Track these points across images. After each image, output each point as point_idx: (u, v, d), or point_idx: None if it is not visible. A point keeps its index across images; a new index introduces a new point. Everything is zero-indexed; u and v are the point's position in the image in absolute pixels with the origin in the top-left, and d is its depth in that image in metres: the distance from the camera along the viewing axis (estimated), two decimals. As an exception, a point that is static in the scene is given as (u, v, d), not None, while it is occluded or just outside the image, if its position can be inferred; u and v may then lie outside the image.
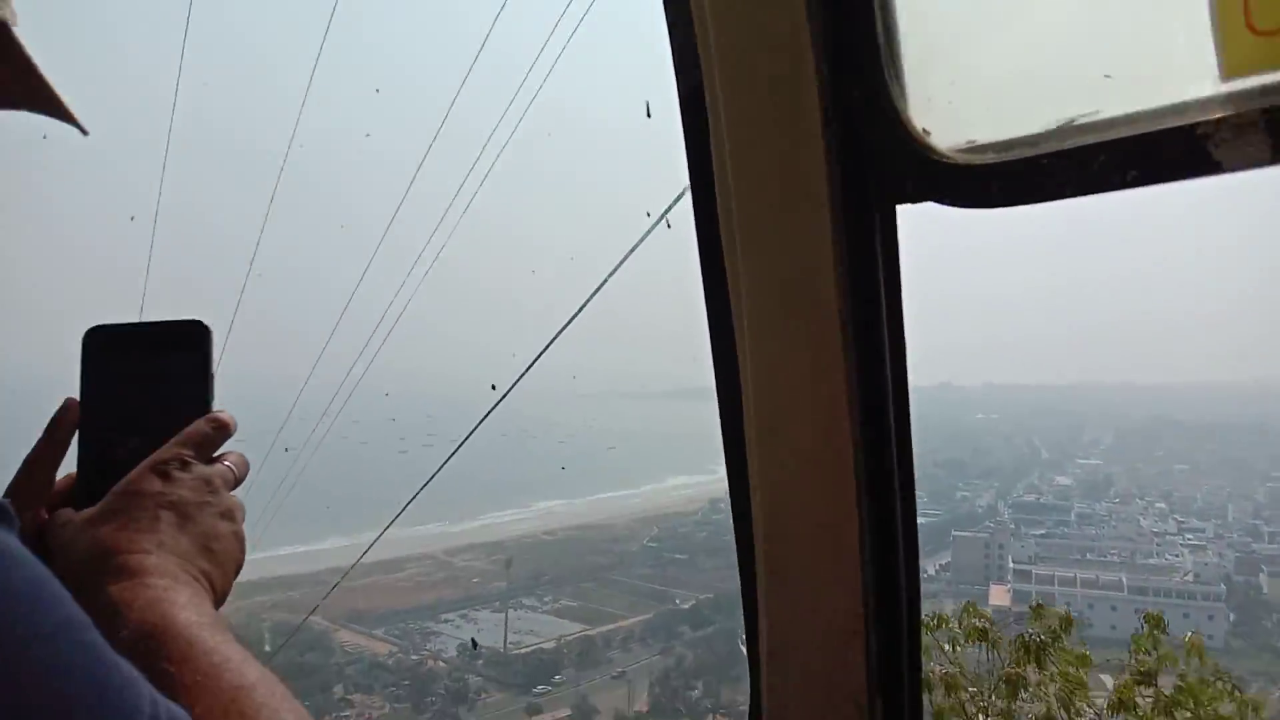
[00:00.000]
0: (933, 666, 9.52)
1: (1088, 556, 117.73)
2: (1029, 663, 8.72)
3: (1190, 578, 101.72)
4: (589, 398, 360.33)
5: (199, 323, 1.22)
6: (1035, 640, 8.77)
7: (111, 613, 1.00)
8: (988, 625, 9.83)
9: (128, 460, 1.16)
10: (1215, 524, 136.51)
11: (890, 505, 1.92)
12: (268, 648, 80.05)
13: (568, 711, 77.62)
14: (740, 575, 2.26)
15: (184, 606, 1.04)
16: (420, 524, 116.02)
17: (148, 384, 1.20)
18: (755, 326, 1.81)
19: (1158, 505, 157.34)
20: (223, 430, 1.24)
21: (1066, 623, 9.27)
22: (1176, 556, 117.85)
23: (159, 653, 0.97)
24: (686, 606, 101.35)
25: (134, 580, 1.05)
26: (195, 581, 1.11)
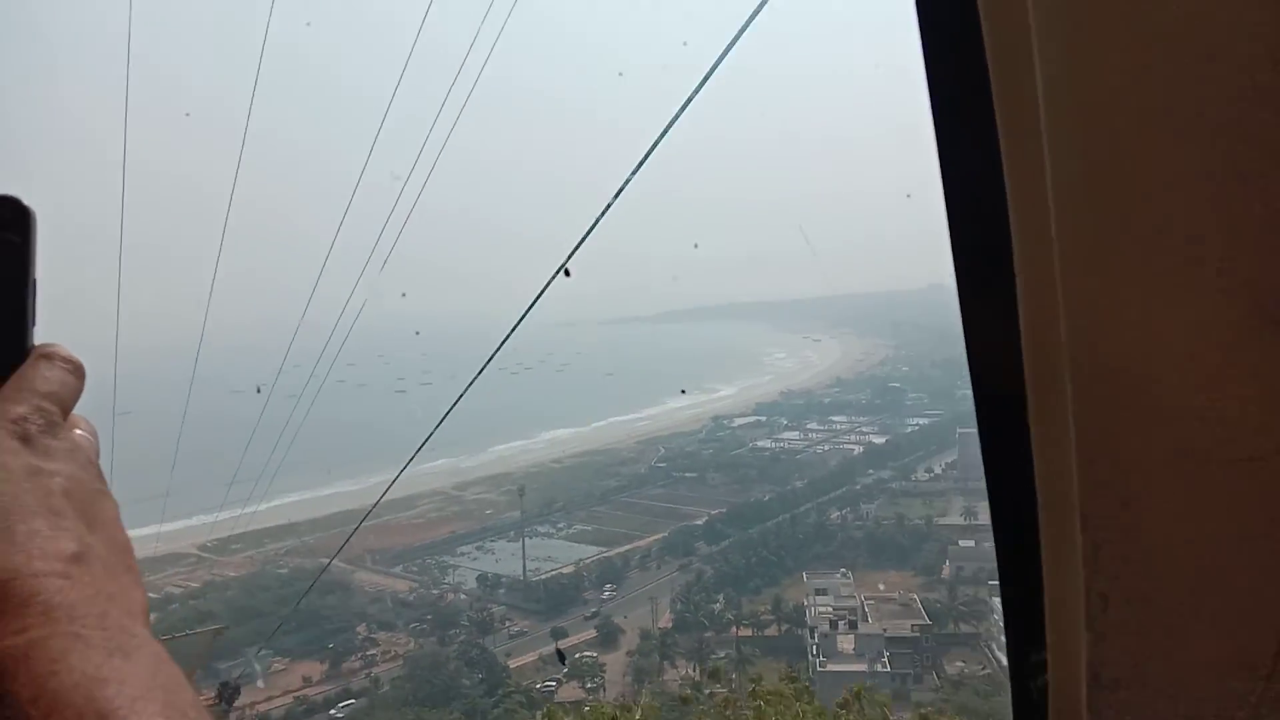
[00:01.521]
0: None
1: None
2: None
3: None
4: (576, 326, 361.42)
5: (13, 201, 0.75)
6: None
7: None
8: None
9: None
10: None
11: None
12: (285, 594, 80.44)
13: (592, 633, 78.19)
14: (996, 541, 1.44)
15: (141, 698, 0.54)
16: (428, 461, 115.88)
17: None
18: None
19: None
20: (81, 376, 0.79)
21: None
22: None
23: None
24: (700, 522, 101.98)
25: (46, 627, 0.54)
26: (145, 628, 0.67)
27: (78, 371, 0.78)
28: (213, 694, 25.29)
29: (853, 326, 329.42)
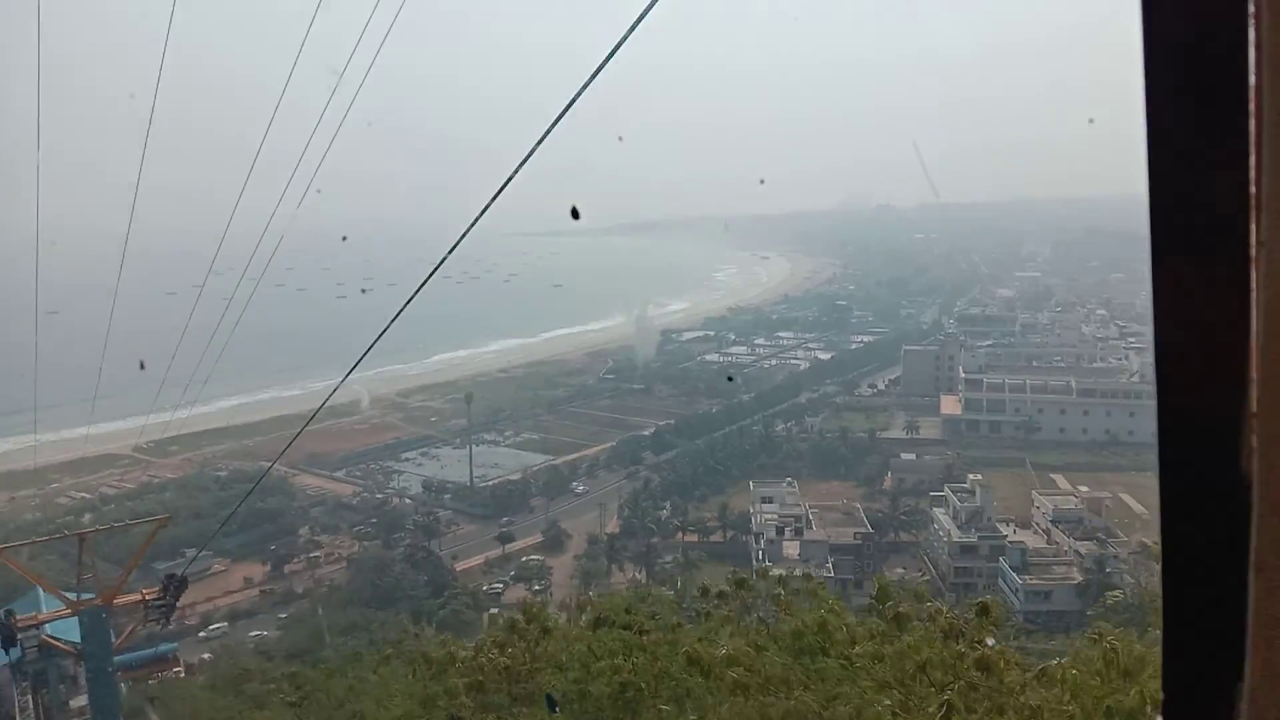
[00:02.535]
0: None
1: (1034, 364, 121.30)
2: None
3: (1136, 378, 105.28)
4: (524, 237, 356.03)
5: None
6: None
7: None
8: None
9: None
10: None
11: None
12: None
13: (539, 537, 78.25)
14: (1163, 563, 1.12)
15: None
16: (370, 368, 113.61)
17: None
18: None
19: (1098, 312, 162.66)
20: None
21: None
22: (1121, 359, 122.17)
23: None
24: (648, 433, 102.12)
25: None
26: None
27: None
28: (158, 587, 24.22)
29: (801, 245, 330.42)
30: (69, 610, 22.08)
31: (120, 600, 22.69)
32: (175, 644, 48.48)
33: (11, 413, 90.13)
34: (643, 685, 9.38)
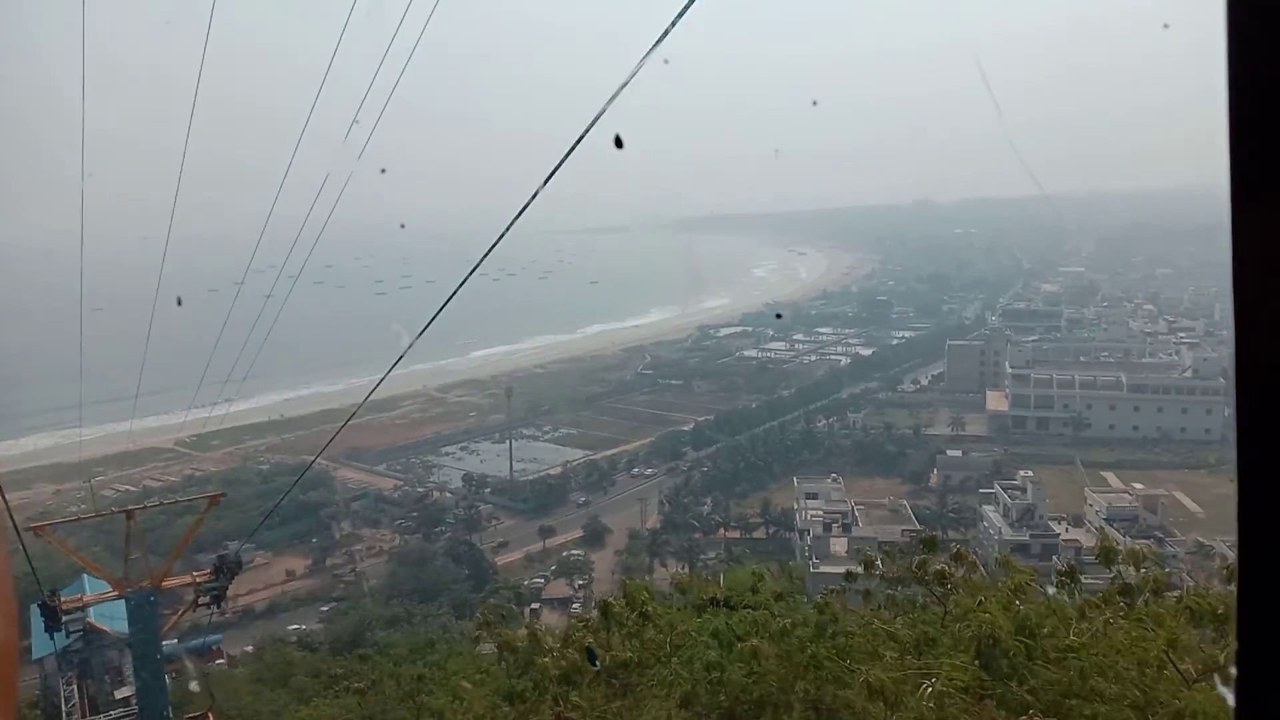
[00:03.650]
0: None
1: (1082, 359, 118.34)
2: None
3: (1188, 374, 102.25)
4: (559, 234, 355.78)
5: None
6: None
7: None
8: None
9: None
10: (1204, 322, 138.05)
11: None
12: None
13: (580, 532, 77.52)
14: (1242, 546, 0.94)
15: None
16: (409, 365, 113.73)
17: None
18: None
19: (1146, 307, 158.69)
20: None
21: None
22: (1172, 354, 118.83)
23: None
24: (687, 428, 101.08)
25: None
26: None
27: None
28: (209, 570, 23.32)
29: (838, 240, 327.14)
30: (115, 593, 21.30)
31: (169, 583, 21.85)
32: (220, 635, 48.26)
33: (58, 409, 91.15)
34: (775, 681, 8.25)
